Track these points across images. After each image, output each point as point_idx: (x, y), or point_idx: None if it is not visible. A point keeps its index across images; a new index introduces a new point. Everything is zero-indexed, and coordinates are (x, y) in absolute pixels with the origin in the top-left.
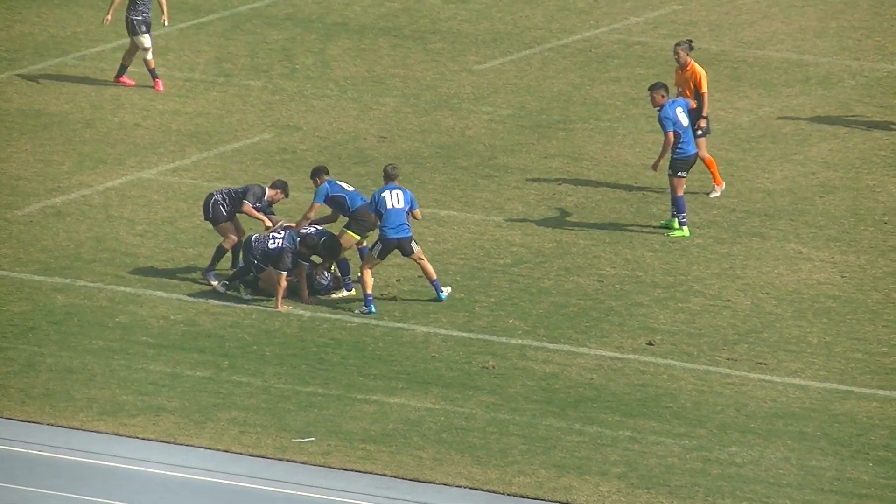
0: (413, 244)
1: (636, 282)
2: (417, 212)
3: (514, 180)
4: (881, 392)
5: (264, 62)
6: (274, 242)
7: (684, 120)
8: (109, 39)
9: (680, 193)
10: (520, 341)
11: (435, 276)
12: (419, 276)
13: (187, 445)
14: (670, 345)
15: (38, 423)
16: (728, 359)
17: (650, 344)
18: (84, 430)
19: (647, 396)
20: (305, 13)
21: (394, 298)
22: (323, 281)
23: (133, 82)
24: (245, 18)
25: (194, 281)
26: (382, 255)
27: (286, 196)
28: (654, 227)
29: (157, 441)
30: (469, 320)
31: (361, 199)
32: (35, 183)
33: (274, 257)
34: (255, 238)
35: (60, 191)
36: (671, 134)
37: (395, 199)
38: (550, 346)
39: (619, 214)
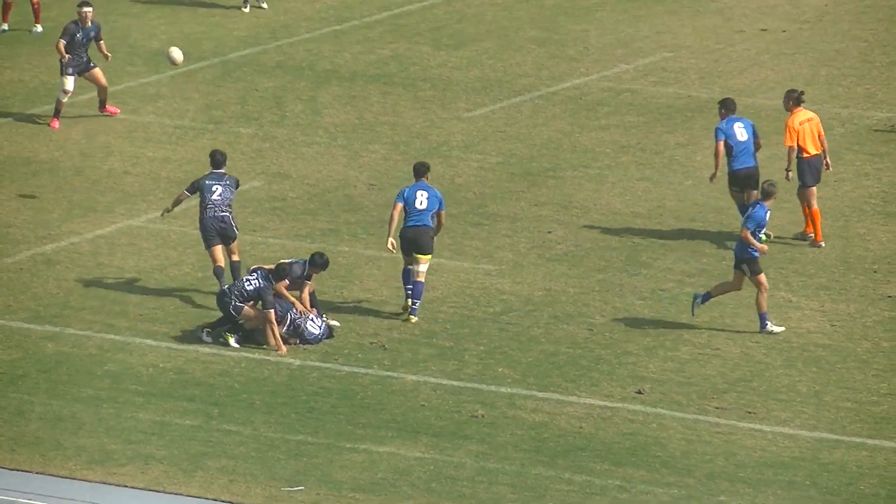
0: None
1: (626, 330)
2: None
3: (504, 228)
4: (871, 441)
5: (254, 109)
6: (250, 285)
7: (741, 135)
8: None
9: (741, 202)
10: (509, 390)
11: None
12: (411, 324)
13: (176, 494)
14: (659, 393)
15: (27, 471)
16: (717, 408)
17: (639, 392)
18: (73, 478)
19: (636, 445)
20: (296, 60)
21: (383, 346)
22: (314, 330)
23: (118, 110)
24: (235, 66)
25: (183, 329)
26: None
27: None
28: (644, 274)
29: (146, 490)
30: (459, 368)
31: None
32: (25, 230)
33: (254, 298)
34: (228, 287)
35: (50, 238)
36: (719, 144)
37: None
38: (540, 394)
39: (609, 262)
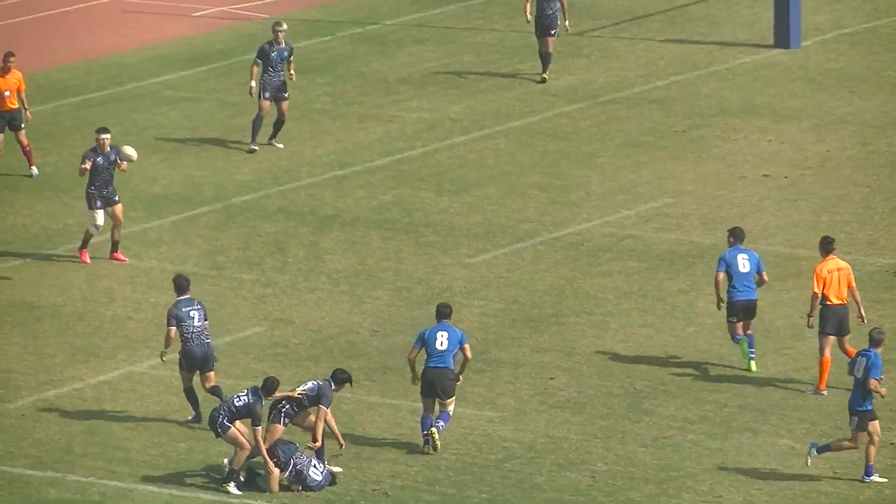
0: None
1: (628, 477)
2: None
3: (506, 374)
4: None
5: (256, 255)
6: (240, 400)
7: (743, 266)
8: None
9: (734, 332)
10: None
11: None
12: (415, 471)
13: None
14: None
15: None
16: None
17: None
18: None
19: None
20: (298, 206)
21: (386, 493)
22: (317, 477)
23: (126, 259)
24: (238, 211)
25: (186, 475)
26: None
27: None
28: (647, 421)
29: None
30: None
31: None
32: (27, 376)
33: (243, 414)
34: (216, 409)
35: (53, 384)
36: (719, 274)
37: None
38: None
39: (611, 409)
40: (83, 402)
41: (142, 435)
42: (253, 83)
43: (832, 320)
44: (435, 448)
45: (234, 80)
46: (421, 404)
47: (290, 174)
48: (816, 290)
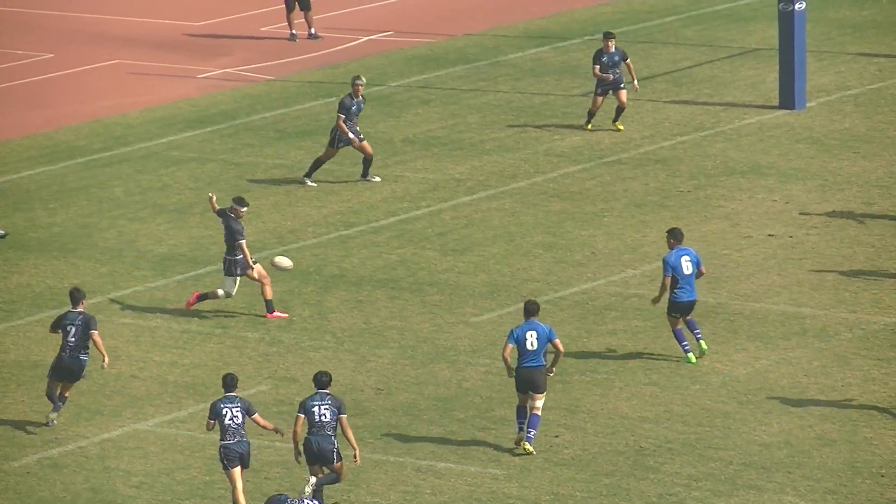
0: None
1: None
2: (558, 343)
3: (512, 433)
4: None
5: (261, 314)
6: None
7: (686, 268)
8: (106, 290)
9: (674, 327)
10: None
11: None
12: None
13: None
14: None
15: None
16: None
17: None
18: None
19: None
20: (303, 265)
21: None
22: None
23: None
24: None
25: None
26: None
27: None
28: (652, 478)
29: None
30: None
31: None
32: (32, 434)
33: None
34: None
35: (57, 442)
36: (667, 279)
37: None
38: None
39: (616, 467)
40: (87, 459)
41: (146, 493)
42: (351, 134)
43: None
44: (528, 452)
45: (238, 141)
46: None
47: (294, 234)
48: None
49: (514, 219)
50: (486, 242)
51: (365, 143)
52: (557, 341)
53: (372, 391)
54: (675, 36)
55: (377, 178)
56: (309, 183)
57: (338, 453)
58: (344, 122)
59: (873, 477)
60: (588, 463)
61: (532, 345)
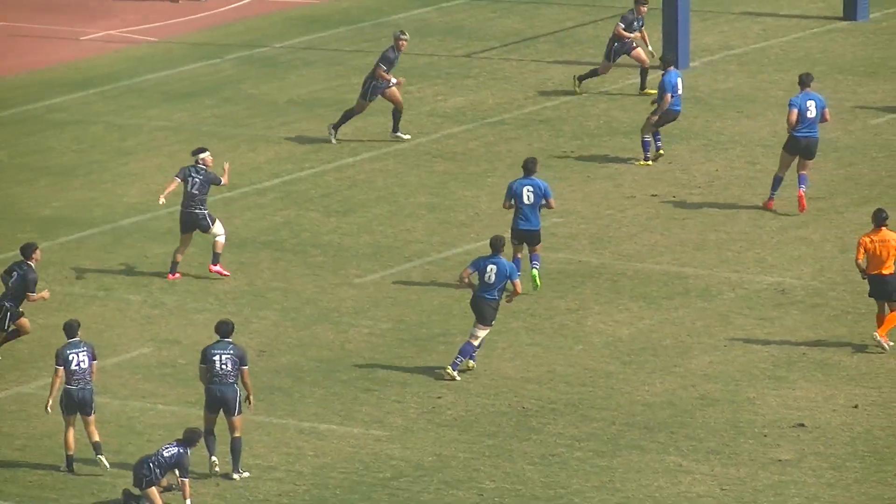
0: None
1: (516, 495)
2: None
3: (394, 393)
4: None
5: (144, 277)
6: (168, 451)
7: (527, 199)
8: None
9: (515, 255)
10: None
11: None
12: (303, 490)
13: None
14: None
15: None
16: None
17: None
18: None
19: None
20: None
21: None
22: None
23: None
24: (126, 232)
25: (74, 495)
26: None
27: None
28: (535, 439)
29: None
30: None
31: None
32: None
33: (171, 466)
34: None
35: None
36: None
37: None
38: None
39: (499, 427)
40: None
41: (29, 455)
42: (393, 79)
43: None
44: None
45: (122, 103)
46: None
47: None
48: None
49: (398, 180)
50: (369, 204)
51: (398, 91)
52: (517, 282)
53: (255, 353)
54: None
55: (407, 136)
56: (333, 140)
57: (240, 406)
58: (385, 72)
59: (756, 437)
60: (471, 424)
61: (490, 278)
